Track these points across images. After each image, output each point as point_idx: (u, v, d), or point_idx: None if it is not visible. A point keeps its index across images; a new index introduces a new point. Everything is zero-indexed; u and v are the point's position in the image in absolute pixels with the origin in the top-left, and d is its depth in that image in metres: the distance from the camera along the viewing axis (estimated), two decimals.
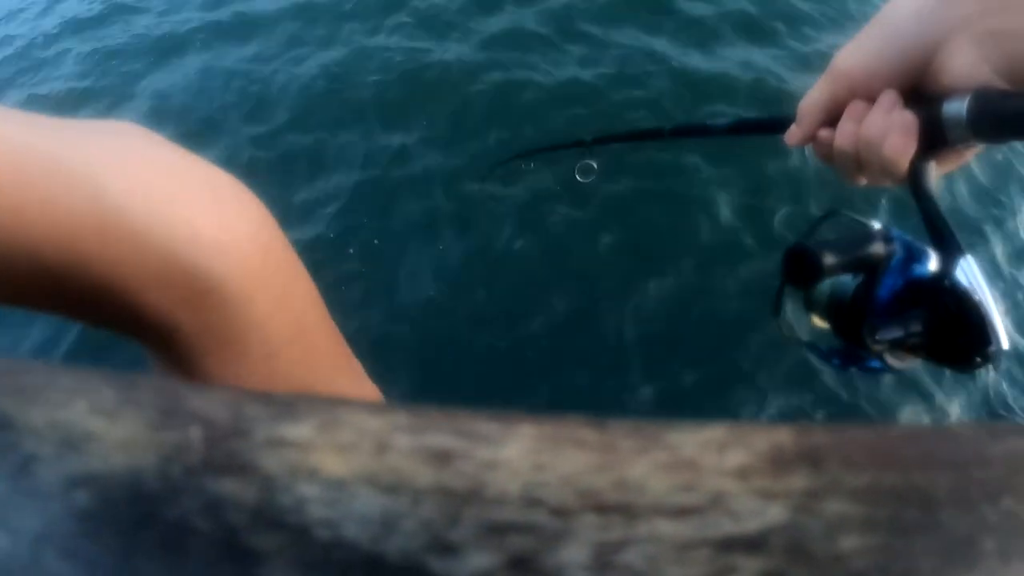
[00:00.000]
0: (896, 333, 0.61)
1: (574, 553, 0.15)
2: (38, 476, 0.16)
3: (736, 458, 0.16)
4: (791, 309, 0.74)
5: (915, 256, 0.64)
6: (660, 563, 0.15)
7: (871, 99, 0.62)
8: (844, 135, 0.64)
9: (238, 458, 0.15)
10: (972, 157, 0.66)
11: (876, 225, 0.65)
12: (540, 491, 0.15)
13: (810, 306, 0.71)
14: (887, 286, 0.63)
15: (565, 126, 2.84)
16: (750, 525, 0.15)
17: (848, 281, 0.66)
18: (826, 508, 0.15)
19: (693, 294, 2.46)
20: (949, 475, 0.15)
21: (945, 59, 0.57)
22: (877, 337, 0.62)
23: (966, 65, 0.56)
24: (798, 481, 0.16)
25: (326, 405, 0.16)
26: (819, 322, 0.71)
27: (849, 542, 0.14)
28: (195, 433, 0.15)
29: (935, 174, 0.63)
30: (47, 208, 0.26)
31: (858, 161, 0.63)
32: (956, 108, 0.58)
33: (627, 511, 0.15)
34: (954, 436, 0.17)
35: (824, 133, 0.67)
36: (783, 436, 0.16)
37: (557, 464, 0.16)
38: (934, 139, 0.60)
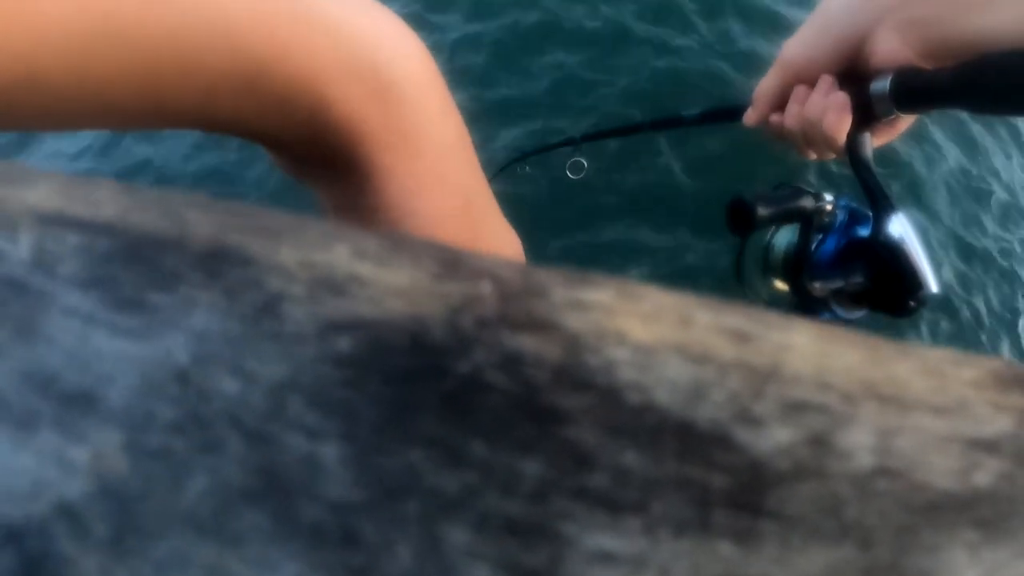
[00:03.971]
0: (838, 283, 0.76)
1: (860, 435, 0.17)
2: (286, 317, 0.15)
3: (970, 373, 0.18)
4: (755, 276, 0.88)
5: (858, 219, 0.79)
6: (927, 452, 0.17)
7: (813, 84, 0.75)
8: (791, 116, 0.76)
9: (538, 315, 0.15)
10: (904, 130, 0.78)
11: (810, 189, 0.80)
12: (829, 376, 0.17)
13: (767, 270, 0.86)
14: (831, 244, 0.78)
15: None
16: (987, 430, 0.18)
17: (793, 240, 0.81)
18: None
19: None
20: None
21: (873, 45, 0.69)
22: (818, 284, 0.77)
23: (890, 50, 0.68)
24: (1018, 400, 0.18)
25: (615, 279, 0.16)
26: (779, 284, 0.85)
27: None
28: (487, 287, 0.15)
29: (871, 145, 0.76)
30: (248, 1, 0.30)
31: (804, 138, 0.77)
32: (881, 86, 0.70)
33: (899, 403, 0.17)
34: None
35: (775, 117, 0.79)
36: (998, 363, 0.18)
37: (839, 354, 0.17)
38: (865, 114, 0.73)
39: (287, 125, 0.33)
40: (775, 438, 0.16)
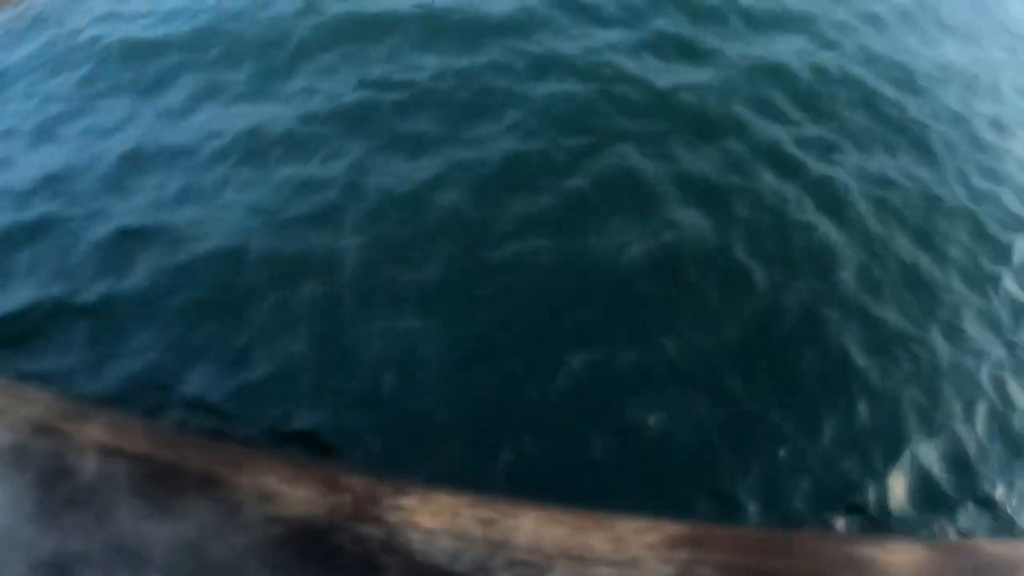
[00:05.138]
0: None
1: None
2: (245, 515, 0.33)
3: (649, 538, 0.35)
4: None
5: None
6: None
7: None
8: None
9: (373, 514, 0.33)
10: None
11: None
12: (540, 544, 0.34)
13: None
14: None
15: None
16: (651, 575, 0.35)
17: None
18: (699, 571, 0.35)
19: None
20: (782, 561, 0.34)
21: None
22: None
23: None
24: (683, 554, 0.36)
25: (421, 487, 0.34)
26: None
27: None
28: (347, 498, 0.32)
29: None
30: None
31: None
32: None
33: (585, 560, 0.35)
34: (790, 537, 0.36)
35: None
36: (678, 527, 0.36)
37: (548, 532, 0.34)
38: None
39: None
40: None
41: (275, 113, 4.80)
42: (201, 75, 5.10)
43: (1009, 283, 4.46)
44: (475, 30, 5.15)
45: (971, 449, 3.53)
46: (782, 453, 3.14)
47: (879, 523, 3.01)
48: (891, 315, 4.05)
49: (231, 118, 4.74)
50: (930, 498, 3.25)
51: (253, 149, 4.58)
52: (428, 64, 4.92)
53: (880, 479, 3.20)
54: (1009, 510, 3.31)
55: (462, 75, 4.79)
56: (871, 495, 3.10)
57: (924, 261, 4.37)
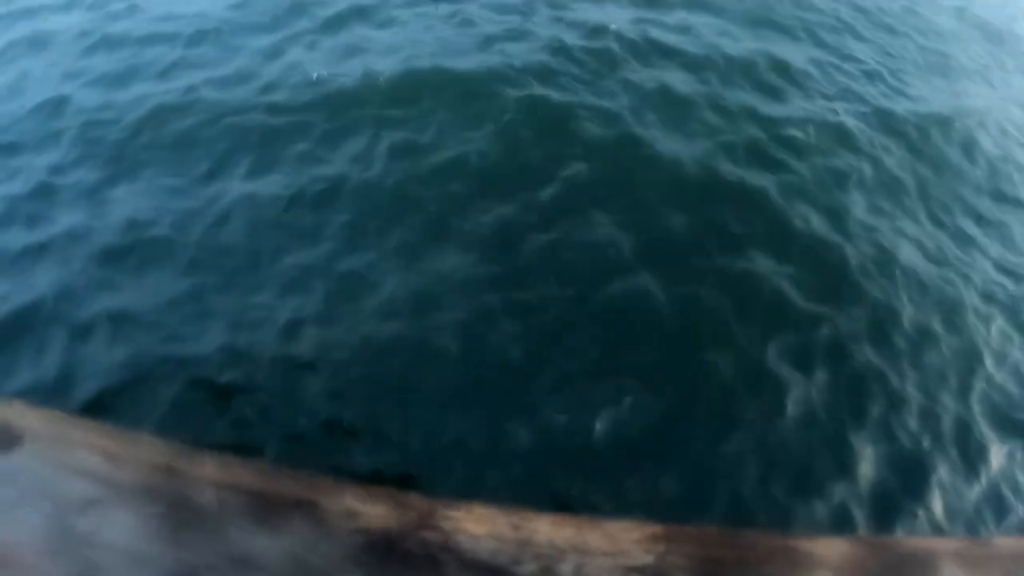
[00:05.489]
0: None
1: (567, 567, 0.49)
2: (335, 529, 0.47)
3: (634, 535, 0.51)
4: None
5: None
6: (600, 573, 0.49)
7: None
8: None
9: (432, 523, 0.47)
10: None
11: None
12: (554, 542, 0.49)
13: None
14: None
15: None
16: (637, 563, 0.50)
17: None
18: (672, 560, 0.51)
19: None
20: (735, 553, 0.50)
21: None
22: None
23: None
24: (660, 547, 0.52)
25: (465, 503, 0.49)
26: None
27: None
28: (411, 513, 0.47)
29: None
30: None
31: None
32: None
33: (588, 552, 0.50)
34: (742, 534, 0.51)
35: None
36: (656, 527, 0.52)
37: (559, 532, 0.49)
38: None
39: None
40: (528, 570, 0.47)
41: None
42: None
43: (976, 299, 4.80)
44: None
45: (909, 454, 3.83)
46: (739, 463, 3.37)
47: (823, 523, 3.28)
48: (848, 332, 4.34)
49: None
50: (869, 499, 3.52)
51: (225, 166, 4.68)
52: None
53: (824, 483, 3.48)
54: (941, 511, 3.61)
55: None
56: (817, 499, 3.38)
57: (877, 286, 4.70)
